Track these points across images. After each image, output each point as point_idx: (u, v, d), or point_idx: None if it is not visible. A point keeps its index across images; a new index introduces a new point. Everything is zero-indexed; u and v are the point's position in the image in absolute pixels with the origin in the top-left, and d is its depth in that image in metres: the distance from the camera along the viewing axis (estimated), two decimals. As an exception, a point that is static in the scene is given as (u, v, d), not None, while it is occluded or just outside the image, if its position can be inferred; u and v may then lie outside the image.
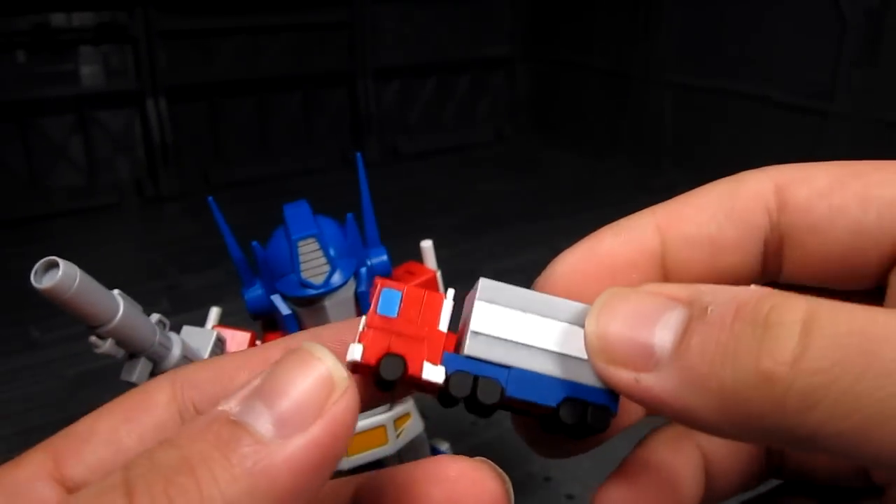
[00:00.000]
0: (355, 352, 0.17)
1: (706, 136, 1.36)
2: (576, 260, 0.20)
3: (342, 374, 0.15)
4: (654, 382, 0.16)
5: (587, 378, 0.18)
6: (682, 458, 0.21)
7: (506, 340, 0.18)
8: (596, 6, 1.57)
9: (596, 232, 0.21)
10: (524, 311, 0.18)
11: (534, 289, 0.20)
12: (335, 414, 0.15)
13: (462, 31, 1.69)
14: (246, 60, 1.47)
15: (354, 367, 0.17)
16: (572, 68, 1.66)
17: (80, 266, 0.33)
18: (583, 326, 0.17)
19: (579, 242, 0.21)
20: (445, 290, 0.53)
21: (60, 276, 0.32)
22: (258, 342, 0.49)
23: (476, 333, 0.18)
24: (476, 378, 0.18)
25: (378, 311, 0.17)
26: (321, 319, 0.45)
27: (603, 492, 0.20)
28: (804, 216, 0.19)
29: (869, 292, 0.20)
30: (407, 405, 0.50)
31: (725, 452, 0.22)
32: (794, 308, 0.15)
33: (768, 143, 1.23)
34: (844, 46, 1.08)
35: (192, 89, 1.43)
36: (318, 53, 1.54)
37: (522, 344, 0.18)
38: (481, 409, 0.18)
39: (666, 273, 0.20)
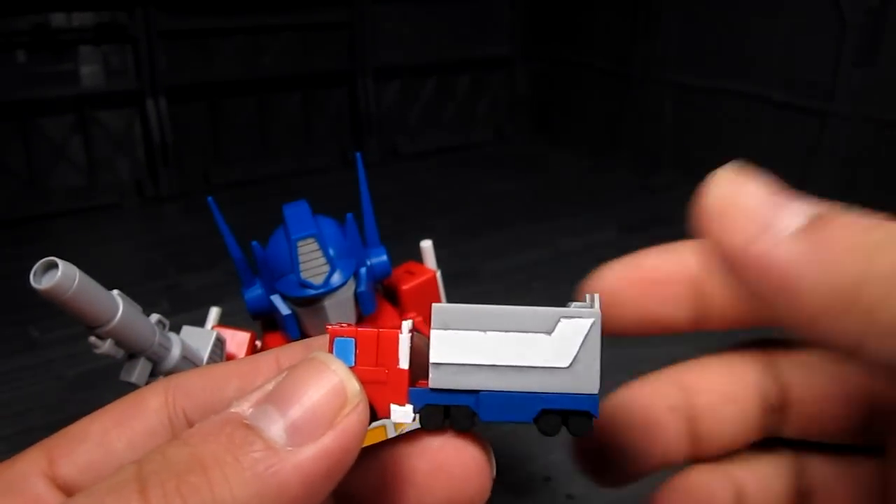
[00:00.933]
0: None
1: (706, 136, 1.36)
2: (622, 267, 0.21)
3: (355, 388, 0.15)
4: (772, 245, 0.15)
5: (560, 386, 0.17)
6: (719, 485, 0.21)
7: (469, 365, 0.17)
8: (596, 6, 1.57)
9: (644, 249, 0.21)
10: (483, 329, 0.17)
11: (580, 290, 0.20)
12: (346, 426, 0.15)
13: (462, 31, 1.69)
14: (246, 60, 1.47)
15: None
16: (572, 68, 1.66)
17: (80, 266, 0.34)
18: (548, 332, 0.17)
19: (625, 256, 0.21)
20: (445, 290, 0.53)
21: (59, 276, 0.32)
22: (258, 342, 0.49)
23: (437, 365, 0.17)
24: (447, 408, 0.18)
25: None
26: (321, 319, 0.45)
27: None
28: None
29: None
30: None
31: (759, 487, 0.22)
32: None
33: (768, 143, 1.23)
34: (844, 46, 1.08)
35: (192, 89, 1.43)
36: (318, 53, 1.54)
37: (487, 365, 0.17)
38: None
39: (701, 295, 0.21)
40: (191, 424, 0.18)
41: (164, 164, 1.40)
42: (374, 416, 0.17)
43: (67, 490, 0.17)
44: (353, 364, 0.17)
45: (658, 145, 1.46)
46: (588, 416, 0.18)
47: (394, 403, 0.17)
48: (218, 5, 1.41)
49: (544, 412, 0.18)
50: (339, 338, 0.17)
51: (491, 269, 1.01)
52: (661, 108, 1.45)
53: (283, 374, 0.16)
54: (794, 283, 0.15)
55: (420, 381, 0.18)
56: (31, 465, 0.17)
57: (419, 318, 0.50)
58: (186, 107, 1.43)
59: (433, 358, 0.17)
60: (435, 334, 0.17)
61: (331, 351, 0.17)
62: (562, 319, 0.17)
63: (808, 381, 0.21)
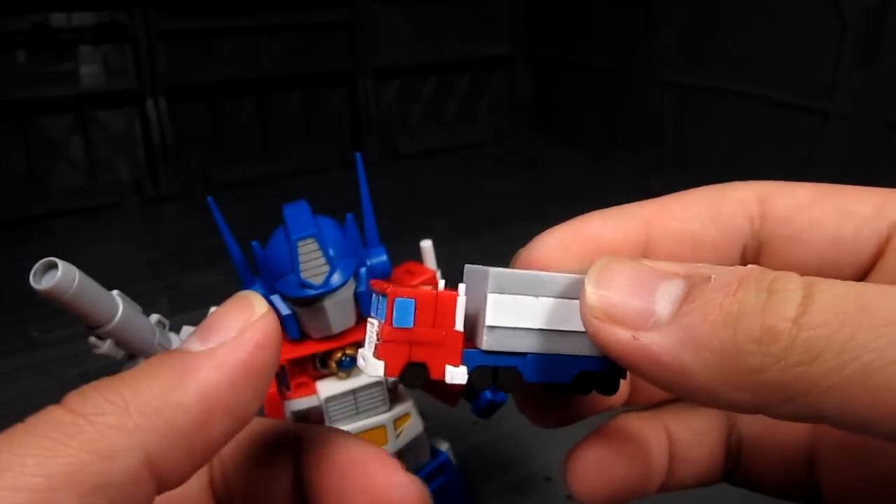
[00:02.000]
0: (378, 368, 0.17)
1: (706, 136, 1.36)
2: (564, 235, 0.21)
3: (263, 305, 0.17)
4: (652, 340, 0.16)
5: (598, 349, 0.18)
6: (651, 431, 0.22)
7: (519, 329, 0.18)
8: (596, 6, 1.56)
9: (585, 214, 0.22)
10: (535, 295, 0.18)
11: (517, 259, 0.21)
12: (258, 325, 0.16)
13: (462, 31, 1.69)
14: (246, 60, 1.47)
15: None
16: (572, 68, 1.66)
17: (80, 266, 0.33)
18: None
19: (568, 221, 0.21)
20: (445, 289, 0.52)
21: (59, 276, 0.32)
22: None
23: (492, 328, 0.18)
24: (495, 370, 0.18)
25: (394, 323, 0.17)
26: (321, 319, 0.45)
27: (577, 452, 0.21)
28: (784, 226, 0.20)
29: None
30: (406, 405, 0.50)
31: (689, 440, 0.23)
32: (795, 278, 0.15)
33: (768, 143, 1.23)
34: (844, 46, 1.08)
35: (192, 89, 1.43)
36: (318, 53, 1.54)
37: (535, 329, 0.18)
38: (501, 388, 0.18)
39: None
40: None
41: (164, 164, 1.40)
42: (424, 376, 0.17)
43: None
44: (411, 325, 0.17)
45: (658, 145, 1.46)
46: (618, 376, 0.19)
47: (449, 365, 0.18)
48: (218, 5, 1.41)
49: (581, 374, 0.19)
50: (399, 298, 0.17)
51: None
52: (661, 108, 1.45)
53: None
54: (678, 369, 0.16)
55: (467, 343, 0.19)
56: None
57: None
58: (186, 107, 1.43)
59: (489, 321, 0.18)
60: (492, 298, 0.18)
61: (390, 310, 0.17)
62: None
63: None
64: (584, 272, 0.18)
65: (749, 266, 0.16)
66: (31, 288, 0.32)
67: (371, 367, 0.17)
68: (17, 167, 1.31)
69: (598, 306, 0.17)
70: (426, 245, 0.52)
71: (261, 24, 1.46)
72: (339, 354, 0.47)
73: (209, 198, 0.45)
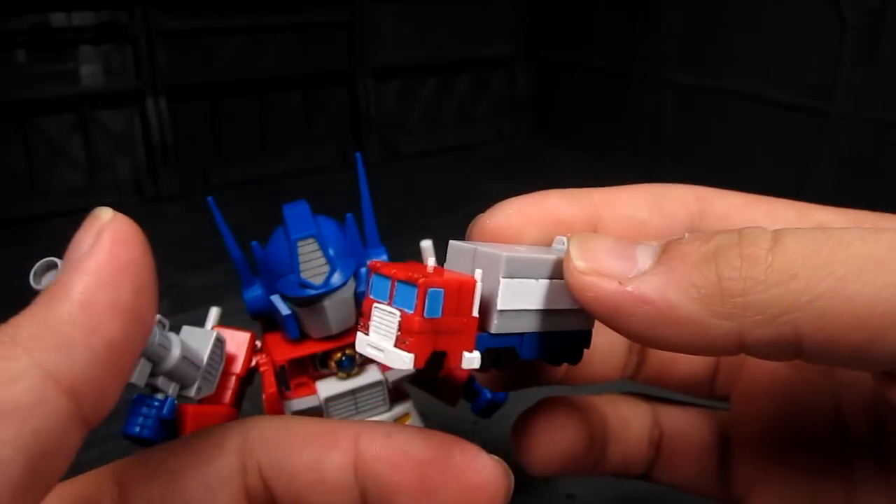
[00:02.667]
0: (406, 360, 0.17)
1: (706, 136, 1.36)
2: (525, 205, 0.23)
3: (108, 212, 0.18)
4: (638, 283, 0.17)
5: (576, 324, 0.20)
6: (591, 408, 0.24)
7: (522, 311, 0.19)
8: (596, 6, 1.56)
9: (543, 191, 0.24)
10: (537, 277, 0.19)
11: (476, 223, 0.23)
12: (105, 228, 0.17)
13: (462, 31, 1.69)
14: (246, 60, 1.47)
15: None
16: (572, 68, 1.66)
17: (80, 266, 0.33)
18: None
19: (528, 194, 0.23)
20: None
21: (60, 276, 0.32)
22: (258, 342, 0.49)
23: (502, 312, 0.18)
24: (498, 350, 0.19)
25: (426, 314, 0.17)
26: (321, 319, 0.45)
27: (525, 421, 0.24)
28: (721, 223, 0.22)
29: None
30: (406, 405, 0.50)
31: (619, 424, 0.25)
32: (761, 227, 0.17)
33: (768, 142, 1.23)
34: (844, 46, 1.08)
35: (192, 89, 1.43)
36: (318, 53, 1.54)
37: (534, 310, 0.19)
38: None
39: None
40: (264, 480, 0.18)
41: (164, 164, 1.40)
42: (442, 365, 0.17)
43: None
44: (440, 315, 0.17)
45: (658, 145, 1.46)
46: (583, 347, 0.21)
47: (465, 351, 0.18)
48: (218, 5, 1.41)
49: (560, 348, 0.20)
50: (432, 289, 0.17)
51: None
52: (661, 108, 1.45)
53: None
54: (666, 306, 0.17)
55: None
56: (102, 490, 0.18)
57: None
58: (186, 106, 1.43)
59: (501, 305, 0.18)
60: (504, 283, 0.18)
61: (422, 301, 0.17)
62: None
63: None
64: (548, 244, 0.20)
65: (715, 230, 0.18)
66: (31, 288, 0.32)
67: (396, 359, 0.17)
68: (17, 167, 1.31)
69: (586, 264, 0.17)
70: (426, 245, 0.52)
71: (261, 24, 1.46)
72: (339, 355, 0.47)
73: (209, 198, 0.45)
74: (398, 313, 0.17)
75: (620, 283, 0.17)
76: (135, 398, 0.41)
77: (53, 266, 0.33)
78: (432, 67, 1.67)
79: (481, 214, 0.23)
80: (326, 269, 0.44)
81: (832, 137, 1.12)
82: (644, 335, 0.17)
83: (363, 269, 0.47)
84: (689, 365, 0.25)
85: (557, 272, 0.19)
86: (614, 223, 0.22)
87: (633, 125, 1.52)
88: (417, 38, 1.64)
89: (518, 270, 0.18)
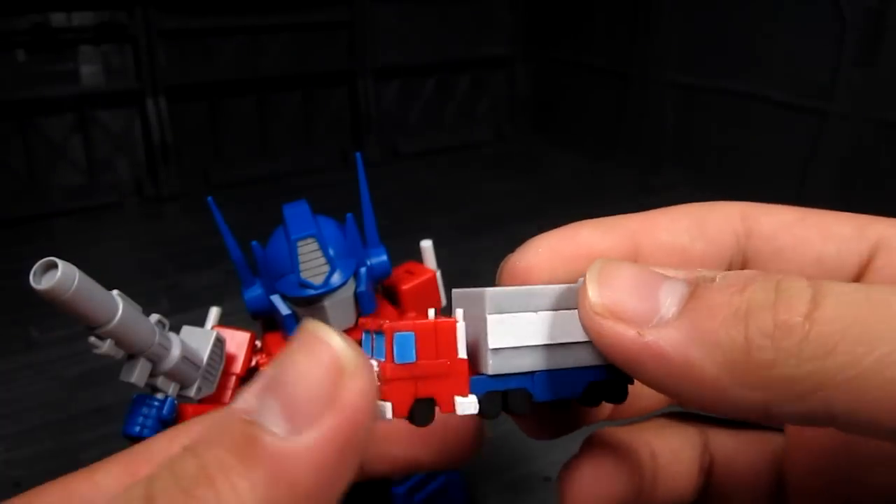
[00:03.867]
0: (385, 410, 0.16)
1: (706, 136, 1.36)
2: (556, 241, 0.21)
3: (351, 354, 0.14)
4: (658, 336, 0.15)
5: (603, 358, 0.17)
6: (640, 445, 0.22)
7: (523, 347, 0.17)
8: (596, 6, 1.56)
9: (576, 223, 0.21)
10: (535, 310, 0.17)
11: (507, 263, 0.21)
12: (348, 400, 0.14)
13: (462, 31, 1.69)
14: (246, 60, 1.47)
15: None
16: (572, 68, 1.66)
17: (80, 266, 0.33)
18: None
19: (559, 228, 0.21)
20: (445, 289, 0.52)
21: (59, 276, 0.32)
22: (258, 342, 0.49)
23: (496, 350, 0.17)
24: (505, 393, 0.17)
25: (396, 360, 0.16)
26: (321, 319, 0.45)
27: (571, 470, 0.21)
28: (769, 243, 0.20)
29: None
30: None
31: (668, 457, 0.23)
32: (800, 279, 0.15)
33: (768, 143, 1.23)
34: (844, 46, 1.08)
35: (192, 89, 1.43)
36: (318, 53, 1.54)
37: (539, 346, 0.17)
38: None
39: None
40: None
41: (164, 164, 1.40)
42: (433, 413, 0.16)
43: None
44: (414, 359, 0.16)
45: (658, 145, 1.46)
46: (626, 383, 0.18)
47: (457, 395, 0.17)
48: (218, 5, 1.41)
49: (590, 385, 0.18)
50: (398, 333, 0.16)
51: (491, 269, 1.01)
52: (661, 108, 1.45)
53: (278, 359, 0.15)
54: (686, 366, 0.15)
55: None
56: (113, 479, 0.18)
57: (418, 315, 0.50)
58: (186, 107, 1.43)
59: (492, 343, 0.17)
60: (492, 319, 0.17)
61: (390, 347, 0.16)
62: None
63: None
64: (578, 281, 0.18)
65: (749, 269, 0.16)
66: (31, 288, 0.32)
67: (381, 411, 0.16)
68: (17, 167, 1.31)
69: (601, 303, 0.16)
70: (426, 245, 0.52)
71: (261, 24, 1.46)
72: (339, 354, 0.47)
73: (209, 198, 0.45)
74: (376, 364, 0.17)
75: (639, 332, 0.16)
76: (135, 398, 0.41)
77: (53, 266, 0.33)
78: (432, 67, 1.67)
79: (511, 255, 0.21)
80: (326, 269, 0.44)
81: (832, 137, 1.12)
82: (666, 390, 0.16)
83: (363, 269, 0.47)
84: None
85: (570, 302, 0.18)
86: (655, 252, 0.21)
87: (633, 125, 1.52)
88: (417, 38, 1.64)
89: (508, 305, 0.17)
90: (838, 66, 1.10)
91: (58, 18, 1.29)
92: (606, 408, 0.22)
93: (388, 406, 0.16)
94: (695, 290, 0.16)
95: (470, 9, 1.69)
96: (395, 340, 0.16)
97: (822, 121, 1.13)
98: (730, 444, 0.23)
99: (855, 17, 1.07)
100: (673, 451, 0.23)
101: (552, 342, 0.17)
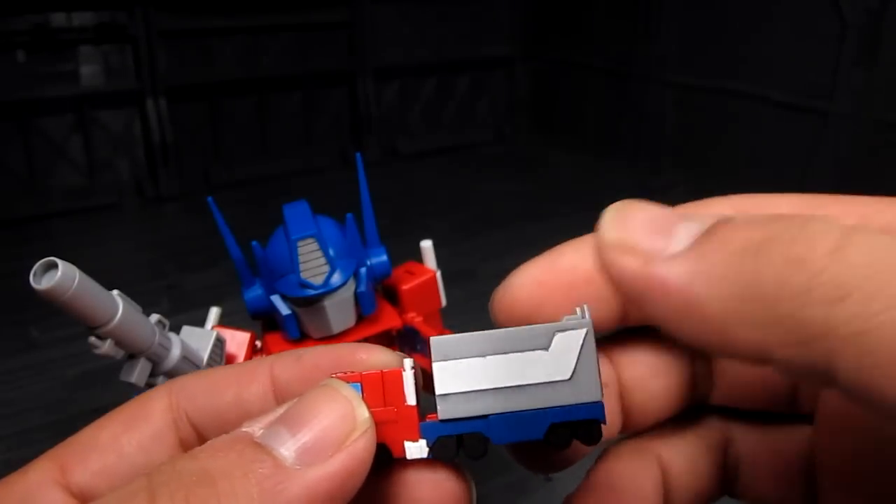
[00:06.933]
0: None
1: (706, 136, 1.36)
2: (538, 272, 0.20)
3: (364, 415, 0.16)
4: (662, 267, 0.15)
5: (565, 398, 0.18)
6: (644, 471, 0.21)
7: (474, 392, 0.18)
8: (596, 6, 1.57)
9: (557, 246, 0.21)
10: (483, 355, 0.18)
11: (495, 299, 0.20)
12: (354, 450, 0.15)
13: (462, 31, 1.69)
14: (246, 60, 1.47)
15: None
16: (572, 68, 1.66)
17: (80, 266, 0.33)
18: (545, 348, 0.17)
19: (540, 255, 0.21)
20: (445, 290, 0.52)
21: (59, 276, 0.32)
22: (258, 342, 0.49)
23: (444, 396, 0.17)
24: (459, 437, 0.18)
25: None
26: (321, 319, 0.45)
27: None
28: None
29: None
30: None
31: (683, 468, 0.22)
32: (833, 221, 0.14)
33: (768, 143, 1.23)
34: (844, 46, 1.08)
35: (192, 89, 1.43)
36: (318, 53, 1.54)
37: (491, 389, 0.18)
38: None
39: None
40: (194, 427, 0.19)
41: (164, 164, 1.40)
42: (387, 457, 0.17)
43: (83, 497, 0.18)
44: None
45: (658, 145, 1.46)
46: (596, 422, 0.18)
47: (407, 441, 0.17)
48: (218, 5, 1.41)
49: (553, 426, 0.18)
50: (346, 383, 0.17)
51: (491, 269, 1.01)
52: (661, 108, 1.45)
53: (296, 399, 0.16)
54: (688, 300, 0.14)
55: (429, 415, 0.18)
56: (44, 474, 0.18)
57: (419, 319, 0.50)
58: (186, 107, 1.43)
59: (438, 390, 0.17)
60: (437, 366, 0.17)
61: None
62: (556, 334, 0.18)
63: None
64: (576, 318, 0.18)
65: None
66: (31, 288, 0.32)
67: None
68: (17, 167, 1.31)
69: (615, 236, 0.16)
70: (426, 245, 0.52)
71: (261, 24, 1.46)
72: (339, 354, 0.47)
73: (209, 198, 0.45)
74: None
75: (646, 263, 0.15)
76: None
77: (53, 266, 0.33)
78: (432, 67, 1.67)
79: (497, 289, 0.21)
80: (326, 269, 0.44)
81: (832, 137, 1.12)
82: (670, 327, 0.15)
83: (363, 269, 0.47)
84: (764, 381, 0.22)
85: (524, 344, 0.18)
86: None
87: (633, 125, 1.52)
88: (417, 38, 1.64)
89: (454, 351, 0.18)
90: (838, 66, 1.10)
91: (58, 19, 1.29)
92: (613, 428, 0.22)
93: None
94: (712, 228, 0.15)
95: (470, 9, 1.69)
96: None
97: (822, 121, 1.13)
98: (756, 439, 0.23)
99: (855, 17, 1.07)
100: (689, 460, 0.22)
101: (506, 385, 0.18)
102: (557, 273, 0.20)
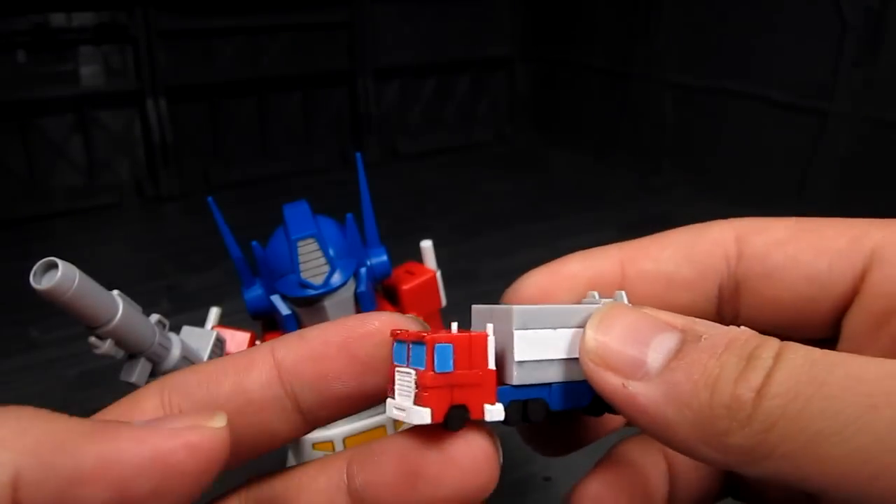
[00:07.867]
0: (424, 415, 0.17)
1: (706, 136, 1.36)
2: (542, 277, 0.22)
3: (223, 419, 0.17)
4: (639, 391, 0.17)
5: None
6: (651, 461, 0.23)
7: (544, 361, 0.19)
8: (596, 6, 1.57)
9: (565, 256, 0.22)
10: (554, 327, 0.19)
11: (504, 298, 0.22)
12: (203, 430, 0.16)
13: (462, 31, 1.69)
14: (246, 60, 1.47)
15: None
16: (572, 68, 1.66)
17: (80, 266, 0.33)
18: None
19: (548, 263, 0.22)
20: (445, 290, 0.52)
21: (59, 276, 0.32)
22: (258, 342, 0.49)
23: (521, 363, 0.19)
24: (525, 402, 0.19)
25: (436, 369, 0.18)
26: (321, 319, 0.45)
27: (581, 487, 0.22)
28: (760, 264, 0.21)
29: (827, 341, 0.21)
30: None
31: (688, 464, 0.23)
32: (772, 346, 0.16)
33: (768, 143, 1.23)
34: (844, 46, 1.08)
35: (192, 89, 1.43)
36: (318, 53, 1.54)
37: (557, 360, 0.19)
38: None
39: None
40: None
41: (164, 164, 1.40)
42: (467, 418, 0.18)
43: None
44: (451, 369, 0.18)
45: (658, 145, 1.46)
46: None
47: (486, 404, 0.18)
48: (218, 5, 1.41)
49: (595, 397, 0.19)
50: (438, 344, 0.18)
51: (491, 269, 1.01)
52: (661, 108, 1.45)
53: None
54: (661, 421, 0.17)
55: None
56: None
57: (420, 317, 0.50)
58: (186, 107, 1.43)
59: (518, 356, 0.19)
60: (518, 335, 0.19)
61: (431, 357, 0.18)
62: None
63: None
64: (595, 302, 0.19)
65: (741, 328, 0.17)
66: (31, 288, 0.32)
67: (415, 415, 0.18)
68: (17, 167, 1.31)
69: (595, 351, 0.18)
70: (426, 245, 0.52)
71: (261, 24, 1.46)
72: (339, 354, 0.47)
73: (209, 198, 0.45)
74: (414, 372, 0.18)
75: (623, 384, 0.17)
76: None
77: (53, 266, 0.33)
78: (432, 67, 1.67)
79: (506, 291, 0.23)
80: (326, 269, 0.44)
81: (832, 137, 1.12)
82: (652, 435, 0.17)
83: (363, 269, 0.47)
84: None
85: (583, 321, 0.19)
86: (639, 282, 0.22)
87: (633, 125, 1.52)
88: (417, 38, 1.64)
89: (532, 322, 0.19)
90: (838, 66, 1.10)
91: (58, 19, 1.29)
92: (618, 419, 0.23)
93: (427, 411, 0.17)
94: (681, 347, 0.17)
95: (470, 9, 1.69)
96: (435, 350, 0.18)
97: (822, 121, 1.13)
98: None
99: (855, 17, 1.07)
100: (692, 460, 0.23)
101: (568, 357, 0.19)
102: (561, 279, 0.22)
